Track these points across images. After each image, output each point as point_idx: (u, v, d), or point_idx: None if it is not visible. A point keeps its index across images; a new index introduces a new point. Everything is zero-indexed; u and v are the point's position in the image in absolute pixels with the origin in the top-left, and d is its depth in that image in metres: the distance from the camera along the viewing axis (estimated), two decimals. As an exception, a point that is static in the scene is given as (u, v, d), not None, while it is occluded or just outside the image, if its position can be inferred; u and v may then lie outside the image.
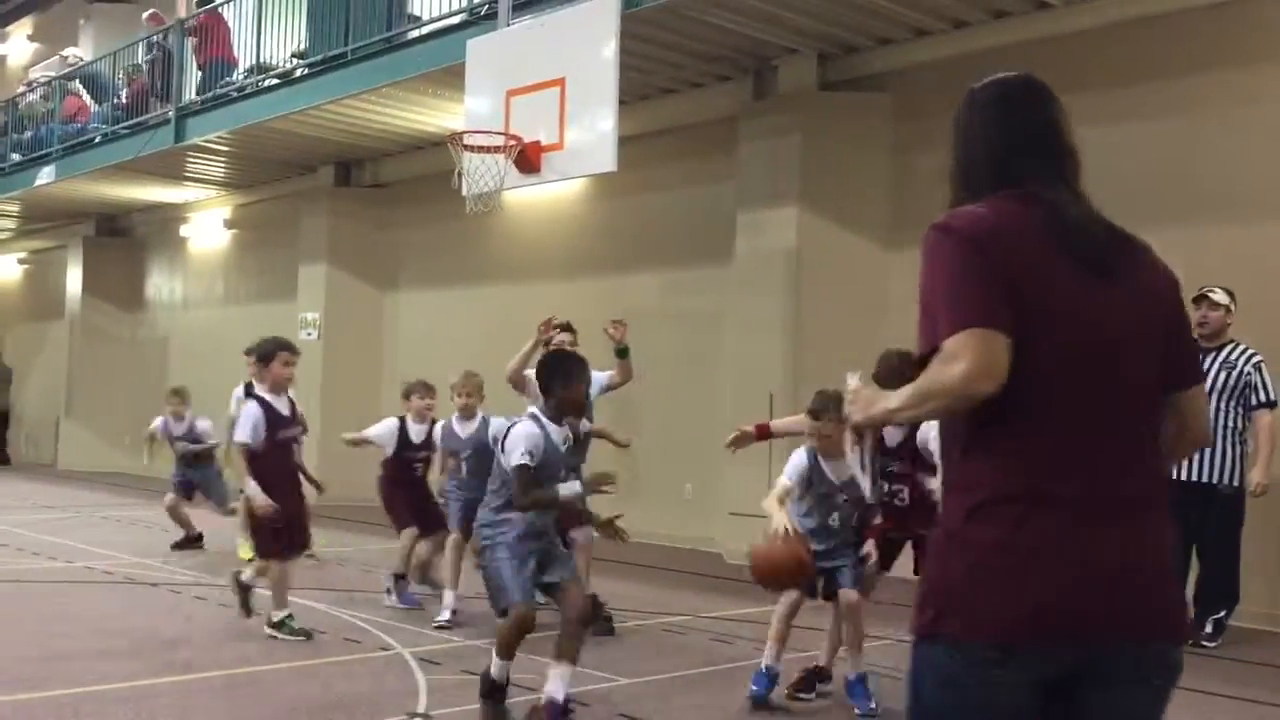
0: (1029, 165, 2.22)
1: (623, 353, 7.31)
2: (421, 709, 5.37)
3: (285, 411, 6.94)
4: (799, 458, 5.49)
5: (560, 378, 5.30)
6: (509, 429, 5.22)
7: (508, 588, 5.04)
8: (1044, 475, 2.05)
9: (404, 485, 8.08)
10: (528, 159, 8.59)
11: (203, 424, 10.56)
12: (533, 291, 13.22)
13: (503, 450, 5.16)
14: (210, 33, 13.89)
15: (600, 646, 6.88)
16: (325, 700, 5.50)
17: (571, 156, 8.51)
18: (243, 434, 6.76)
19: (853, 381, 2.42)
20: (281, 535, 6.84)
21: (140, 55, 15.42)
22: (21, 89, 18.97)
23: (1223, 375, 7.06)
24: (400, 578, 7.93)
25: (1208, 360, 6.97)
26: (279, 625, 6.85)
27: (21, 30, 25.58)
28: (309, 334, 15.08)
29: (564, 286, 12.82)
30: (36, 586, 8.51)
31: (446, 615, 7.25)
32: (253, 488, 6.69)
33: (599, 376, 6.91)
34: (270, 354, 6.97)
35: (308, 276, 15.59)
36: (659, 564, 9.96)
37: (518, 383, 6.90)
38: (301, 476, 7.51)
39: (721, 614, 7.83)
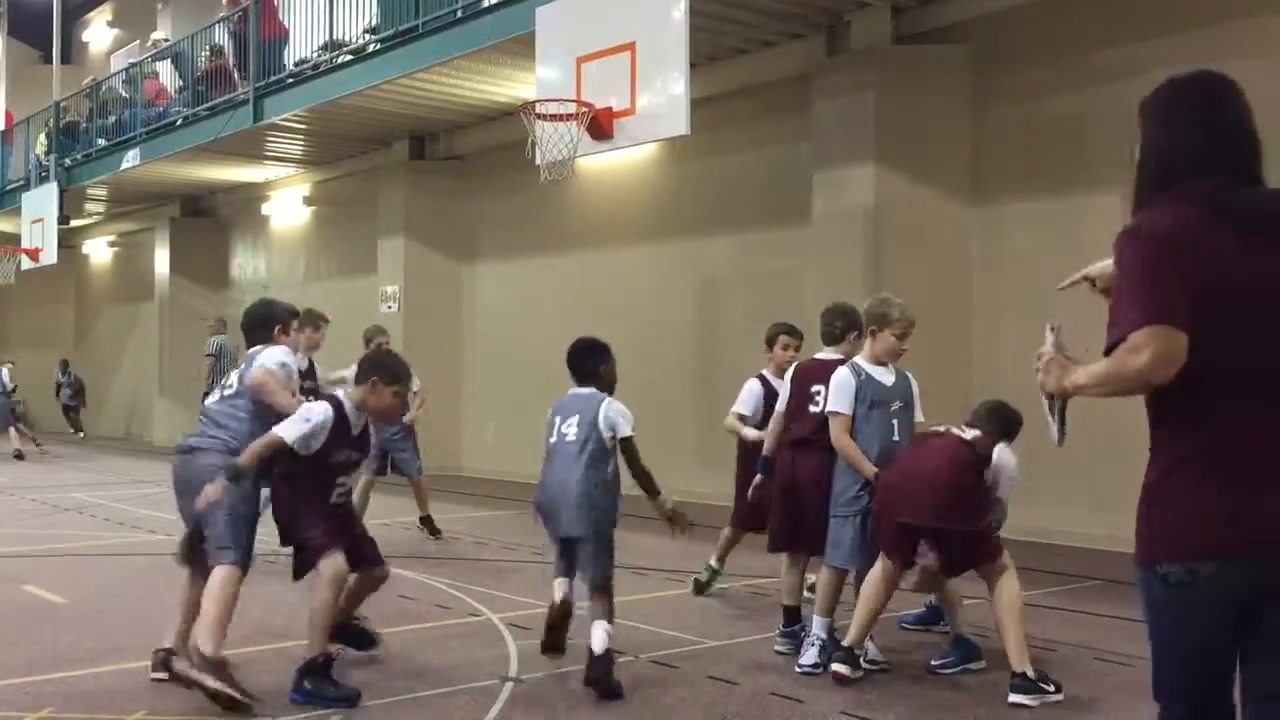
0: (1220, 162, 2.47)
1: None
2: (513, 673, 5.44)
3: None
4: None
5: None
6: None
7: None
8: (1226, 434, 2.38)
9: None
10: (600, 125, 8.56)
11: None
12: (609, 257, 13.24)
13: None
14: (263, 11, 14.04)
15: (688, 609, 6.91)
16: (418, 666, 5.60)
17: (644, 121, 8.47)
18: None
19: (1049, 339, 2.56)
20: None
21: (219, 36, 15.64)
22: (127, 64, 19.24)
23: None
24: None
25: None
26: None
27: (102, 16, 26.13)
28: (389, 307, 15.27)
29: (640, 252, 12.81)
30: (134, 560, 8.76)
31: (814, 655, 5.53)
32: None
33: None
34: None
35: (387, 250, 15.77)
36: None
37: None
38: None
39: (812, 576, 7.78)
